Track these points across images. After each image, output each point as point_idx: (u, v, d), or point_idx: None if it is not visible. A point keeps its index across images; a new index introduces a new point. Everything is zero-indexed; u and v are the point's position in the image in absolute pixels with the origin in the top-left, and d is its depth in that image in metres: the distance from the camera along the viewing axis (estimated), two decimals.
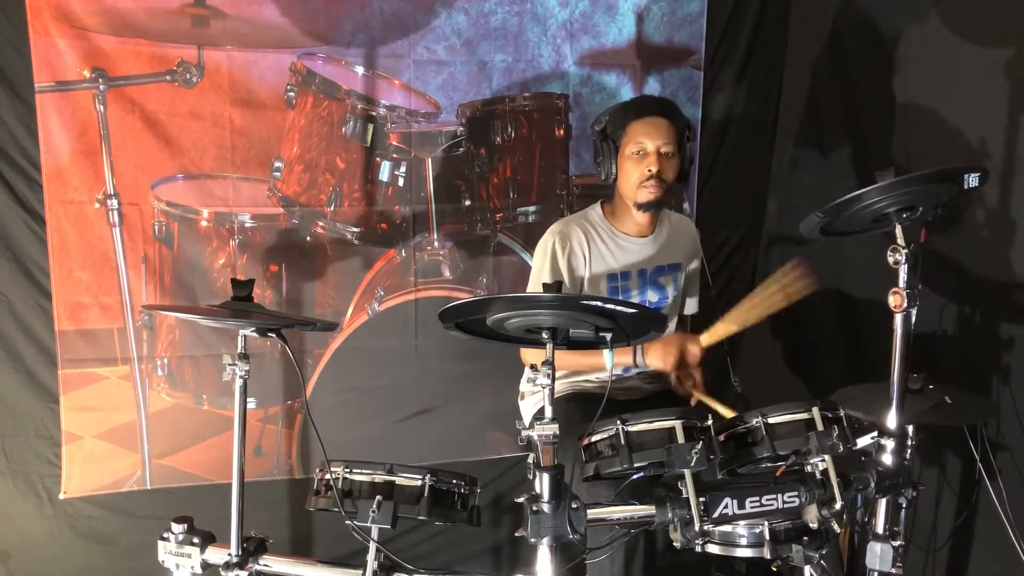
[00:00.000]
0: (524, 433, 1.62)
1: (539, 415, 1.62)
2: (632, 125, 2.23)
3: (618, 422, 1.72)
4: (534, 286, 2.34)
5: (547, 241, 2.31)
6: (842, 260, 2.77)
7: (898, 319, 1.86)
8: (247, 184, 2.55)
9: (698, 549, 1.76)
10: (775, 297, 2.22)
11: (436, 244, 2.73)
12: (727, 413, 2.11)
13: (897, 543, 1.95)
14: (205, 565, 1.89)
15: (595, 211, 2.38)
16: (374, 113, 2.62)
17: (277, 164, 2.56)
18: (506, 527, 2.83)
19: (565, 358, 2.24)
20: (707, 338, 2.24)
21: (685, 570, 2.29)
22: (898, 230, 1.84)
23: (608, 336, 1.68)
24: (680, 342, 2.24)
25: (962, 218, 2.38)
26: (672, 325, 2.46)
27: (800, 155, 3.05)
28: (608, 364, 2.11)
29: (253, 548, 1.88)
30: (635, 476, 1.77)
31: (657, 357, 2.22)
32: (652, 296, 2.39)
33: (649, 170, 2.22)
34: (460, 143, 2.70)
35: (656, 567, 2.21)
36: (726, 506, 1.71)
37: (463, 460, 2.80)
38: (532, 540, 1.63)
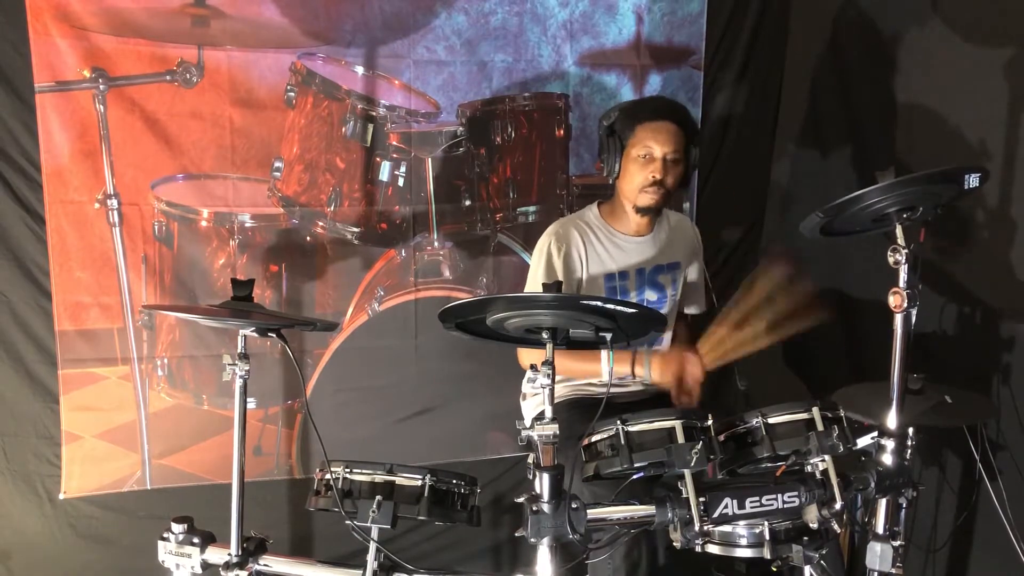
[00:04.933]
0: (524, 433, 1.62)
1: (540, 417, 1.62)
2: (641, 127, 2.22)
3: (618, 422, 1.72)
4: (531, 289, 2.33)
5: (543, 243, 2.31)
6: (842, 260, 2.77)
7: (898, 319, 1.86)
8: (247, 184, 2.54)
9: (698, 549, 1.76)
10: (786, 327, 2.19)
11: (436, 244, 2.73)
12: None
13: (897, 543, 1.94)
14: (205, 565, 1.89)
15: (592, 211, 2.38)
16: (374, 113, 2.62)
17: (277, 164, 2.56)
18: (506, 527, 2.83)
19: (562, 364, 2.24)
20: (710, 359, 2.20)
21: (685, 570, 2.29)
22: (898, 230, 1.84)
23: (608, 336, 1.68)
24: (680, 360, 2.21)
25: (962, 218, 2.38)
26: (672, 323, 2.46)
27: (800, 155, 3.05)
28: (608, 366, 2.11)
29: (253, 548, 1.88)
30: (635, 476, 1.77)
31: (655, 371, 2.21)
32: (651, 296, 2.39)
33: (653, 176, 2.21)
34: (460, 143, 2.70)
35: (656, 567, 2.21)
36: (726, 506, 1.71)
37: (463, 460, 2.80)
38: (532, 540, 1.63)
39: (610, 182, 2.32)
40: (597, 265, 2.31)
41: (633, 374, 2.23)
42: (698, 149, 2.31)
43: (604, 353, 2.15)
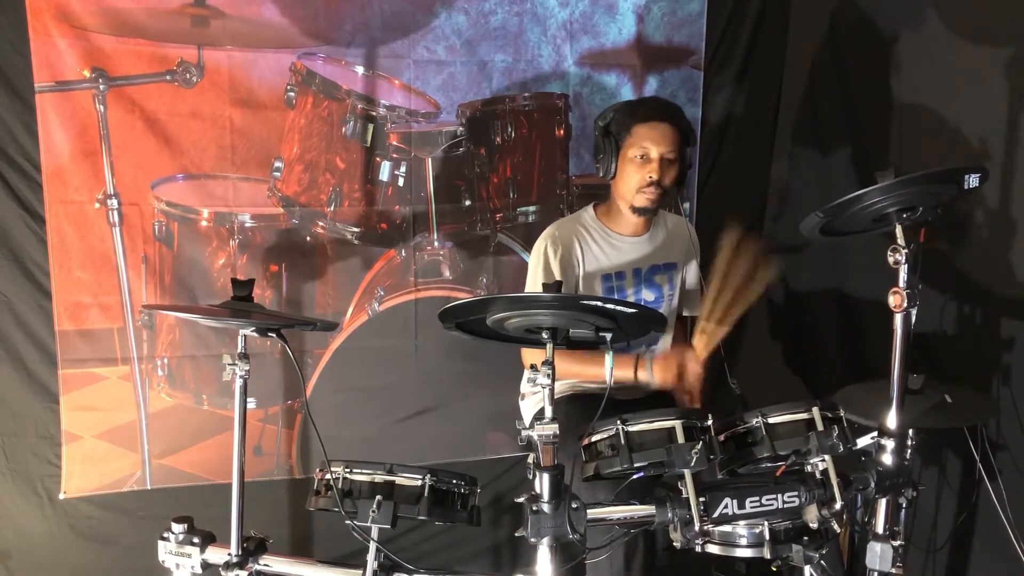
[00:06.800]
0: (524, 433, 1.62)
1: (539, 415, 1.62)
2: (638, 128, 2.22)
3: (618, 422, 1.72)
4: (530, 291, 2.33)
5: (540, 245, 2.31)
6: (842, 260, 2.77)
7: (898, 319, 1.86)
8: (247, 184, 2.54)
9: (698, 549, 1.76)
10: (750, 288, 2.19)
11: (436, 244, 2.73)
12: None
13: (897, 543, 1.95)
14: (205, 565, 1.89)
15: (588, 213, 2.38)
16: (374, 113, 2.62)
17: (277, 164, 2.56)
18: (506, 527, 2.83)
19: (567, 368, 2.23)
20: (702, 348, 2.21)
21: (685, 570, 2.29)
22: (898, 230, 1.84)
23: (608, 336, 1.68)
24: (679, 359, 2.21)
25: (962, 218, 2.38)
26: (671, 325, 2.45)
27: (800, 155, 3.05)
28: (608, 367, 2.10)
29: (253, 548, 1.88)
30: (635, 476, 1.77)
31: (658, 374, 2.21)
32: (648, 295, 2.39)
33: (650, 177, 2.22)
34: (460, 143, 2.70)
35: (656, 567, 2.21)
36: (726, 506, 1.71)
37: (463, 460, 2.80)
38: (532, 540, 1.63)
39: (607, 182, 2.32)
40: (593, 265, 2.32)
41: (636, 379, 2.23)
42: (692, 148, 2.32)
43: (606, 357, 2.15)
